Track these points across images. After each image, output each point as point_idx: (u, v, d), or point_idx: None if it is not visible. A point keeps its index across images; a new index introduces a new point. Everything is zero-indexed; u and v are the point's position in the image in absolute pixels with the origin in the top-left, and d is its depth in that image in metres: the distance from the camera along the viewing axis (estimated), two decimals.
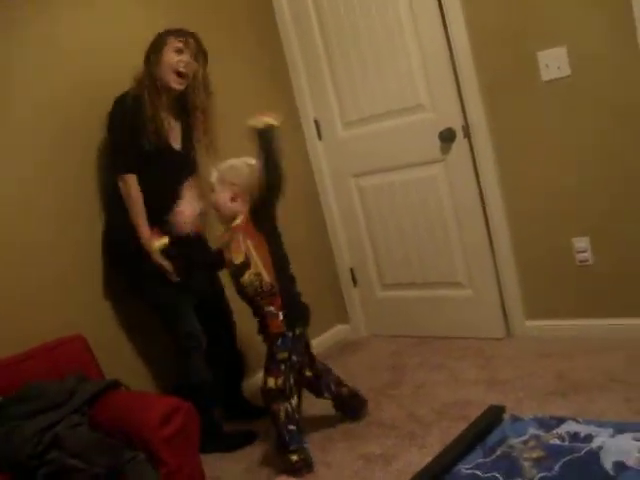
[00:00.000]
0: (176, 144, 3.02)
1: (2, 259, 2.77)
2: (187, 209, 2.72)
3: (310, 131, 3.93)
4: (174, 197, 2.79)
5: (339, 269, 4.06)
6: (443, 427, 2.74)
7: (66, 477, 2.21)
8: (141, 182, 2.89)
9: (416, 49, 3.40)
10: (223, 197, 2.67)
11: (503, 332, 3.49)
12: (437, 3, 3.26)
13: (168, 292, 2.94)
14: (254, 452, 2.95)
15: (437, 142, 3.42)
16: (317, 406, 3.03)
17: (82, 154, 3.03)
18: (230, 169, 2.68)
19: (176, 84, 2.92)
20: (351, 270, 4.03)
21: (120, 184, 2.89)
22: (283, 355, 2.64)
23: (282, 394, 2.62)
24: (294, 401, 2.65)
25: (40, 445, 2.25)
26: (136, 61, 2.93)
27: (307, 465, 2.66)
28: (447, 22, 3.26)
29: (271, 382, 2.63)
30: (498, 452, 1.70)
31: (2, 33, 2.84)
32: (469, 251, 3.50)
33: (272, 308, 2.63)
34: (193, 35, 2.95)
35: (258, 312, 2.69)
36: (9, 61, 2.86)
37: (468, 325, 3.58)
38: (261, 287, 2.61)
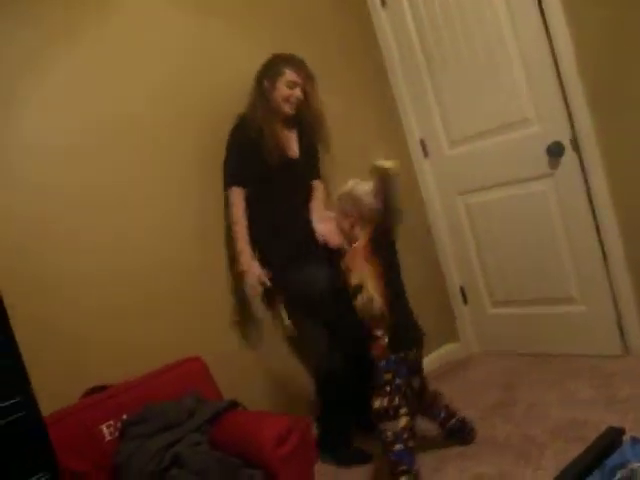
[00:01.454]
0: (294, 154, 3.16)
1: (131, 280, 2.92)
2: (326, 226, 2.97)
3: (416, 150, 3.96)
4: (297, 209, 3.05)
5: (449, 287, 4.06)
6: (558, 448, 2.68)
7: None
8: (263, 197, 3.04)
9: (519, 62, 3.36)
10: (343, 224, 2.77)
11: (620, 349, 3.38)
12: (539, 14, 3.22)
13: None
14: (367, 472, 2.98)
15: (545, 157, 3.36)
16: (430, 425, 3.03)
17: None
18: (350, 200, 2.73)
19: (289, 110, 3.10)
20: (461, 288, 4.02)
21: (227, 197, 3.06)
22: (387, 377, 2.66)
23: (387, 414, 2.63)
24: (402, 422, 2.66)
25: (162, 463, 2.36)
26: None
27: None
28: (551, 34, 3.21)
29: (377, 403, 2.64)
30: (618, 476, 1.66)
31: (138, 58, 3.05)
32: (582, 266, 3.42)
33: (379, 332, 2.67)
34: (305, 66, 3.10)
35: (367, 333, 2.74)
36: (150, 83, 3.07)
37: (582, 342, 3.48)
38: (372, 311, 2.65)
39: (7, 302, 2.03)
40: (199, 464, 2.36)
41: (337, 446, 3.12)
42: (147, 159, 3.03)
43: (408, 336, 2.74)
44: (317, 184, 3.29)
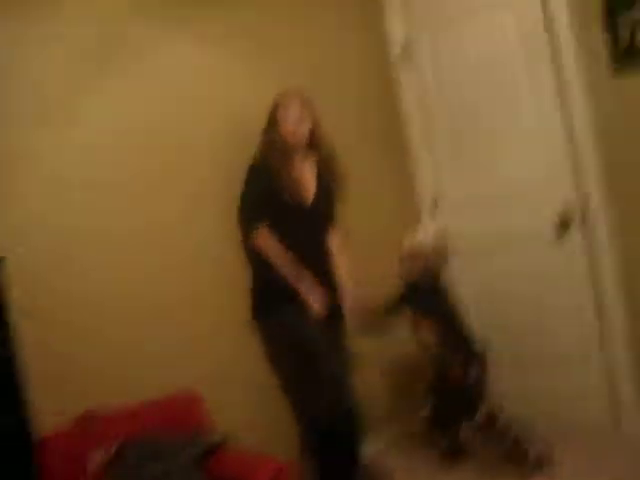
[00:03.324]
0: (310, 196, 3.16)
1: (141, 312, 2.93)
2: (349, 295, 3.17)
3: (427, 207, 3.98)
4: (311, 251, 3.07)
5: None
6: None
7: None
8: (279, 238, 3.04)
9: (536, 129, 3.44)
10: (413, 267, 3.16)
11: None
12: (557, 82, 3.32)
13: (313, 331, 3.02)
14: None
15: (553, 225, 3.41)
16: None
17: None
18: (419, 247, 3.19)
19: (298, 139, 3.12)
20: None
21: (254, 240, 3.06)
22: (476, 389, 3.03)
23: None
24: None
25: None
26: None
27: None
28: (568, 104, 3.29)
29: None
30: None
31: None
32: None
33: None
34: (296, 94, 3.15)
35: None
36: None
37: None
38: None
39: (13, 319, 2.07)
40: None
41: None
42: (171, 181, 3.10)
43: (473, 351, 3.10)
44: (334, 233, 3.30)
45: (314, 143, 3.19)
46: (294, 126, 3.11)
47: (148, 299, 2.96)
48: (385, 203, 3.89)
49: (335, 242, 3.29)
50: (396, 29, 3.95)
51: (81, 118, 2.86)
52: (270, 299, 3.09)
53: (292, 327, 3.03)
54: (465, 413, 3.05)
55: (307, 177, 3.18)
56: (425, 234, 3.21)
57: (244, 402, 3.18)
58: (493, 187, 3.67)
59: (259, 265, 3.13)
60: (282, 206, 3.04)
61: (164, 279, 3.01)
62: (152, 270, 2.98)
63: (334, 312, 3.10)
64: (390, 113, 4.01)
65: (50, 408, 2.51)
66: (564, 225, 3.37)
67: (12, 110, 2.65)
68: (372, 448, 3.44)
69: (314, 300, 3.00)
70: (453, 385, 2.98)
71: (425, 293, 3.19)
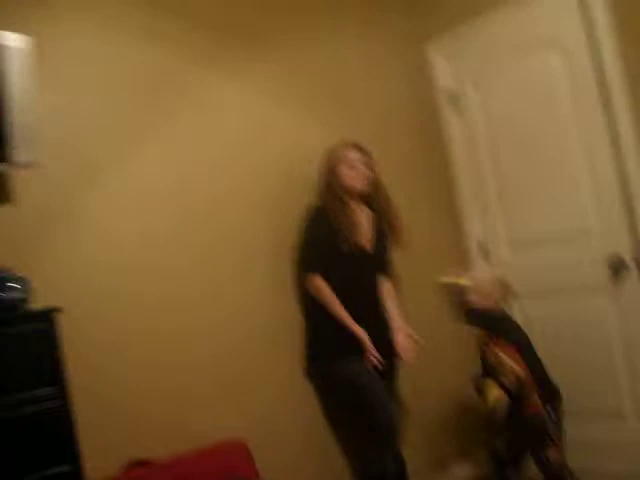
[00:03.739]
0: (369, 245, 3.19)
1: (190, 363, 2.94)
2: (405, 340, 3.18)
3: (475, 252, 3.97)
4: (364, 300, 3.10)
5: None
6: None
7: None
8: (334, 284, 3.06)
9: (587, 174, 3.39)
10: (479, 301, 3.15)
11: None
12: (608, 127, 3.27)
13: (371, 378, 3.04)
14: None
15: (605, 271, 3.34)
16: None
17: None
18: (483, 280, 3.23)
19: (359, 186, 3.17)
20: None
21: (310, 284, 3.10)
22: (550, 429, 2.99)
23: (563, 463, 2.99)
24: None
25: None
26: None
27: None
28: (621, 148, 3.24)
29: (552, 455, 2.94)
30: None
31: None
32: (638, 385, 3.34)
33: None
34: (358, 146, 3.20)
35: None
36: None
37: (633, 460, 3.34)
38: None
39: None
40: None
41: None
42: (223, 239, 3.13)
43: (551, 388, 3.07)
44: (386, 282, 3.31)
45: (372, 190, 3.22)
46: (354, 172, 3.15)
47: (197, 350, 2.97)
48: (435, 250, 3.87)
49: (387, 286, 3.30)
50: (444, 75, 3.97)
51: (133, 171, 2.91)
52: (327, 347, 3.13)
53: (351, 374, 3.05)
54: (539, 448, 2.98)
55: (364, 224, 3.21)
56: (484, 273, 3.31)
57: (292, 453, 3.15)
58: (542, 233, 3.63)
59: (315, 313, 3.17)
60: (339, 252, 3.07)
61: (214, 333, 3.03)
62: (202, 324, 3.00)
63: (388, 360, 3.10)
64: (440, 161, 4.01)
65: (99, 457, 2.51)
66: (616, 272, 3.30)
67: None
68: None
69: (369, 351, 3.01)
70: (532, 416, 2.94)
71: (504, 320, 3.21)
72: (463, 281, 3.19)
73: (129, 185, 2.89)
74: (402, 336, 3.18)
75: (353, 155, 3.17)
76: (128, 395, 2.74)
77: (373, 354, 3.01)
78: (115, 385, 2.71)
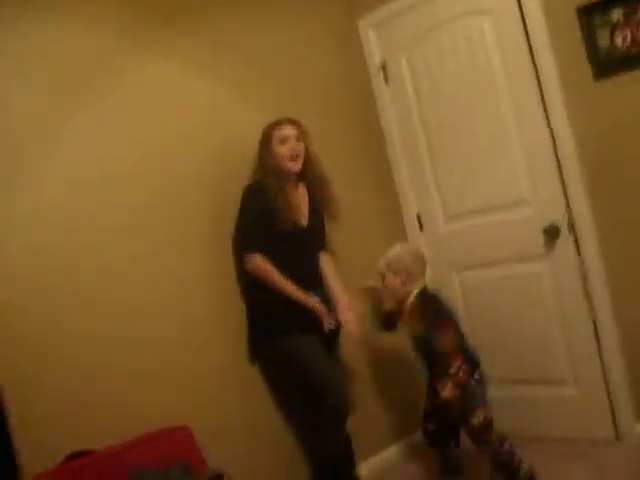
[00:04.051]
0: (303, 221, 3.19)
1: (127, 346, 2.88)
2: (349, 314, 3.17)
3: (412, 225, 3.97)
4: (305, 275, 3.12)
5: None
6: None
7: None
8: (274, 261, 3.06)
9: (519, 144, 3.42)
10: (394, 282, 3.07)
11: (611, 434, 3.34)
12: (540, 98, 3.30)
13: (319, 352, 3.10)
14: None
15: (541, 238, 3.39)
16: None
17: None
18: (395, 259, 3.11)
19: (292, 166, 3.14)
20: None
21: (249, 264, 3.08)
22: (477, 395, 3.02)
23: (488, 425, 2.99)
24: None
25: None
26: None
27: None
28: (550, 118, 3.28)
29: (475, 420, 2.97)
30: None
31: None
32: (573, 349, 3.41)
33: (453, 368, 2.94)
34: (294, 121, 3.18)
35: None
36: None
37: (575, 425, 3.44)
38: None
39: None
40: None
41: None
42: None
43: (475, 357, 3.09)
44: (325, 256, 3.34)
45: (307, 167, 3.21)
46: (289, 150, 3.13)
47: (138, 328, 2.92)
48: (372, 223, 3.87)
49: (326, 261, 3.32)
50: (377, 49, 3.95)
51: (61, 148, 2.82)
52: (272, 325, 3.11)
53: (298, 351, 3.07)
54: (466, 417, 3.01)
55: (300, 200, 3.21)
56: (400, 249, 3.17)
57: (240, 440, 3.13)
58: (478, 203, 3.65)
59: (255, 293, 3.16)
60: (277, 229, 3.05)
61: (148, 317, 2.97)
62: (138, 309, 2.94)
63: (332, 333, 3.15)
64: (375, 135, 3.99)
65: (38, 450, 2.46)
66: (552, 235, 3.36)
67: None
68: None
69: (324, 317, 3.06)
70: (460, 386, 2.95)
71: (435, 298, 3.16)
72: (371, 282, 3.19)
73: (55, 173, 2.79)
74: (344, 309, 3.18)
75: (287, 131, 3.14)
76: (67, 377, 2.67)
77: (325, 318, 3.05)
78: (53, 369, 2.64)
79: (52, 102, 2.81)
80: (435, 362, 3.03)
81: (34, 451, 2.36)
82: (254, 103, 3.44)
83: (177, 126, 3.17)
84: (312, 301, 3.07)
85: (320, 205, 3.27)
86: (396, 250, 3.16)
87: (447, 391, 2.91)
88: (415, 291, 3.08)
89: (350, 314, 3.17)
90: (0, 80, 2.68)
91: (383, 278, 3.12)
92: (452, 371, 2.92)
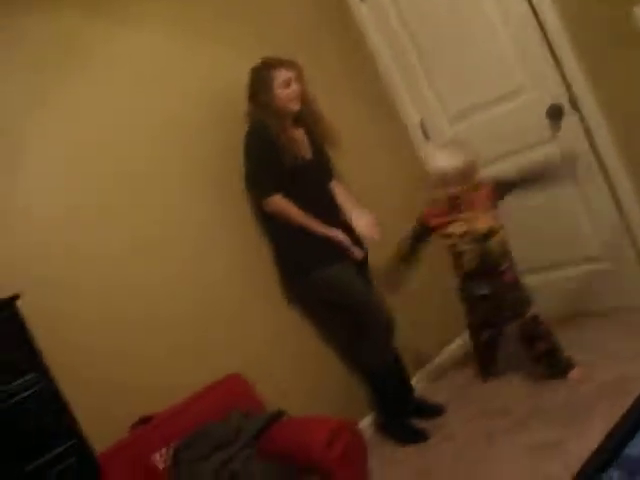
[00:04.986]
0: (308, 155, 3.22)
1: (169, 302, 2.98)
2: (365, 221, 3.20)
3: (416, 134, 3.95)
4: (321, 206, 3.16)
5: None
6: (605, 407, 2.67)
7: None
8: (290, 199, 3.10)
9: (503, 30, 3.36)
10: (468, 171, 3.08)
11: None
12: None
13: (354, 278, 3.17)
14: (419, 458, 3.03)
15: (546, 121, 3.36)
16: None
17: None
18: (450, 169, 3.05)
19: (295, 107, 3.16)
20: None
21: (269, 206, 3.12)
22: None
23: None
24: None
25: None
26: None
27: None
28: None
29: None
30: None
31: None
32: (598, 223, 3.42)
33: (505, 264, 3.11)
34: (288, 60, 3.17)
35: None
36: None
37: (610, 297, 3.48)
38: (506, 248, 3.15)
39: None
40: (257, 479, 2.39)
41: (399, 428, 3.27)
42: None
43: None
44: (337, 184, 3.37)
45: (303, 105, 3.20)
46: (292, 92, 3.13)
47: (173, 300, 3.01)
48: (376, 144, 3.86)
49: (339, 190, 3.35)
50: None
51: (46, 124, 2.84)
52: (305, 259, 3.15)
53: (336, 279, 3.14)
54: (522, 308, 3.13)
55: (301, 137, 3.23)
56: (447, 155, 3.13)
57: (288, 376, 3.23)
58: (477, 99, 3.61)
59: (281, 233, 3.20)
60: (286, 167, 3.08)
61: (178, 280, 3.04)
62: (166, 272, 3.02)
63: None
64: (363, 55, 3.92)
65: (105, 426, 2.58)
66: (555, 116, 3.32)
67: None
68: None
69: (350, 246, 3.11)
70: (507, 285, 3.08)
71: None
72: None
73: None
74: (361, 219, 3.22)
75: (288, 74, 3.13)
76: (115, 358, 2.78)
77: (351, 247, 3.11)
78: (100, 350, 2.75)
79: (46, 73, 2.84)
80: (490, 259, 3.10)
81: (98, 422, 2.47)
82: (235, 50, 3.39)
83: (164, 95, 3.17)
84: (336, 233, 3.11)
85: (320, 139, 3.29)
86: (446, 160, 3.09)
87: (509, 275, 3.07)
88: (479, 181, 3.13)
89: (366, 221, 3.20)
90: None
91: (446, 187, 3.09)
92: (506, 266, 3.08)
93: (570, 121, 3.30)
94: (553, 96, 3.30)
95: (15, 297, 2.18)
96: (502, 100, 3.52)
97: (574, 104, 3.26)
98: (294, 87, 3.13)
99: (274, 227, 3.21)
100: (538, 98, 3.36)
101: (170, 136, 3.14)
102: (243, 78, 3.19)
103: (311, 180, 3.20)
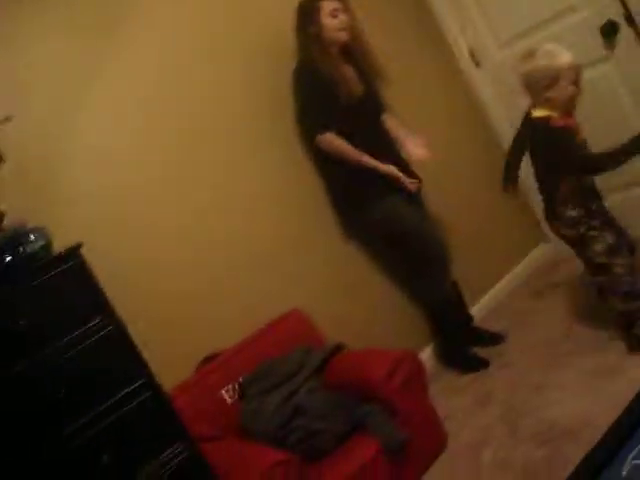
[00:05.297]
0: (359, 91, 3.17)
1: (228, 247, 3.05)
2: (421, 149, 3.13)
3: (467, 62, 3.87)
4: (376, 142, 3.14)
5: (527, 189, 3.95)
6: None
7: (312, 439, 2.44)
8: (342, 136, 3.08)
9: None
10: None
11: None
12: None
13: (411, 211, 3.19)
14: (479, 385, 3.07)
15: (599, 39, 3.25)
16: None
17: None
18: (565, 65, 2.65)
19: (344, 37, 3.12)
20: None
21: (321, 144, 3.11)
22: None
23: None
24: None
25: (285, 415, 2.49)
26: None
27: None
28: None
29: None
30: None
31: None
32: None
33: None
34: None
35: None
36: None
37: None
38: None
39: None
40: (320, 409, 2.48)
41: (459, 356, 3.33)
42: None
43: None
44: (388, 117, 3.33)
45: (352, 39, 3.17)
46: (340, 23, 3.10)
47: (230, 243, 3.07)
48: (427, 75, 3.81)
49: (391, 123, 3.32)
50: None
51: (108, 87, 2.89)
52: (359, 194, 3.17)
53: (390, 211, 3.15)
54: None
55: (350, 72, 3.18)
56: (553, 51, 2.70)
57: (347, 311, 3.28)
58: (527, 22, 3.51)
59: (335, 171, 3.20)
60: (337, 103, 3.06)
61: (239, 217, 3.11)
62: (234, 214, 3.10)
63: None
64: None
65: (172, 366, 2.66)
66: (610, 33, 3.20)
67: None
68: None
69: (404, 179, 3.10)
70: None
71: None
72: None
73: (108, 103, 2.89)
74: (411, 142, 3.19)
75: (331, 3, 3.08)
76: (180, 299, 2.87)
77: (406, 180, 3.10)
78: (163, 295, 2.83)
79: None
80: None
81: (166, 363, 2.55)
82: None
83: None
84: (389, 168, 3.09)
85: (370, 73, 3.24)
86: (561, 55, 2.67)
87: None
88: None
89: (418, 143, 3.18)
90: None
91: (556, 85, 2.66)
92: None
93: (626, 38, 3.18)
94: (606, 13, 3.18)
95: (79, 245, 2.25)
96: (552, 21, 3.42)
97: (630, 19, 3.13)
98: (342, 17, 3.09)
99: (328, 166, 3.21)
100: (591, 15, 3.25)
101: (232, 84, 3.17)
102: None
103: (364, 116, 3.18)
